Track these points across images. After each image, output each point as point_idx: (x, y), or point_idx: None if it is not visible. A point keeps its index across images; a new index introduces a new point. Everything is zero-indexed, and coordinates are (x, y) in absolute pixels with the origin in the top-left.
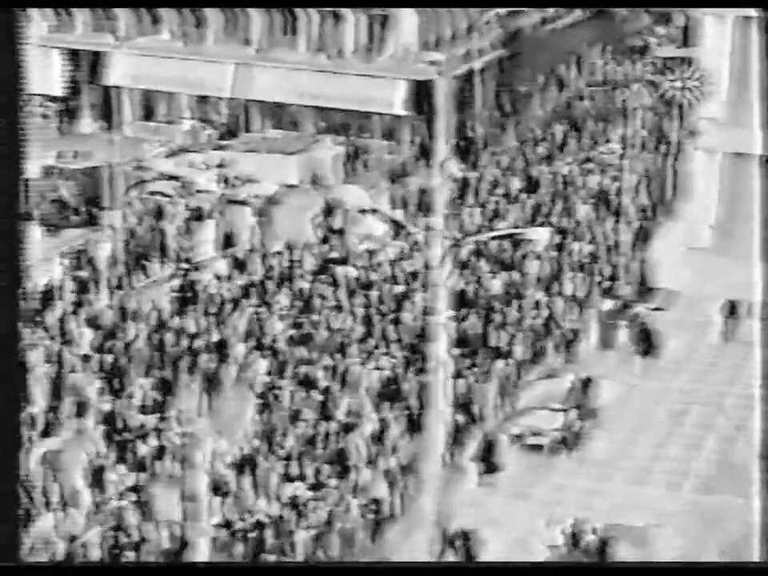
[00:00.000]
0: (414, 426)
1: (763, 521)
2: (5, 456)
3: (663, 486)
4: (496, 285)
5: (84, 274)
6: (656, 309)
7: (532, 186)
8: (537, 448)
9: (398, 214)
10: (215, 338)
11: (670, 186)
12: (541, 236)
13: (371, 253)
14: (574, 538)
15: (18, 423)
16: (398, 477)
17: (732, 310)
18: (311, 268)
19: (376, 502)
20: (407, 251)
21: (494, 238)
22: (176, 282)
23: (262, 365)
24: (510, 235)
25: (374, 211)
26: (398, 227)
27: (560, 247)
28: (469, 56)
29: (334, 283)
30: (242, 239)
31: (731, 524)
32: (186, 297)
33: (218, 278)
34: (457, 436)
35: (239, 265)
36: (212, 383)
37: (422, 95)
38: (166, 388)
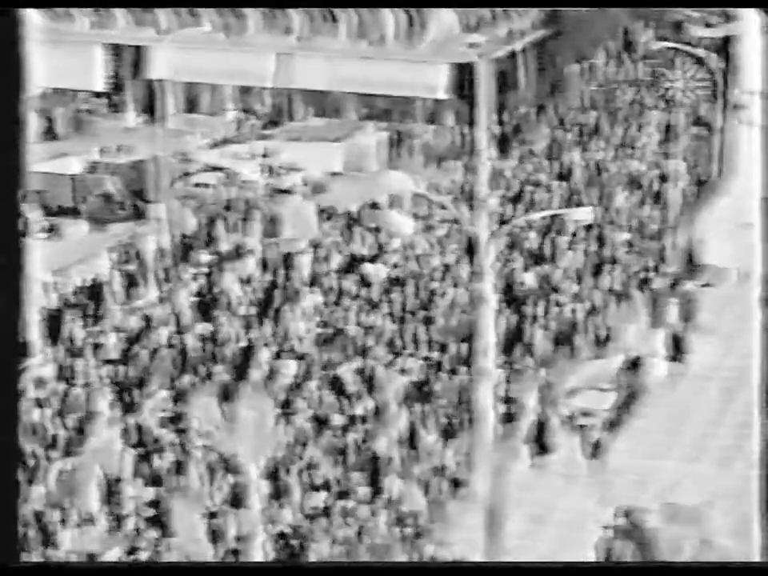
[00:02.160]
0: (450, 430)
1: (763, 521)
2: (4, 456)
3: (716, 464)
4: (529, 278)
5: (131, 267)
6: (705, 285)
7: (565, 173)
8: (588, 428)
9: (443, 198)
10: (239, 343)
11: (716, 162)
12: (584, 216)
13: (405, 248)
14: (628, 520)
15: (17, 425)
16: (433, 482)
17: None
18: (338, 266)
19: (412, 516)
20: (436, 246)
21: (536, 220)
22: (194, 286)
23: (289, 368)
24: (554, 216)
25: (418, 196)
26: (428, 217)
27: (600, 239)
28: (510, 37)
29: (362, 281)
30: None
31: None
32: (207, 300)
33: (242, 280)
34: (506, 422)
35: (264, 265)
36: (231, 391)
37: (464, 78)
38: (185, 398)
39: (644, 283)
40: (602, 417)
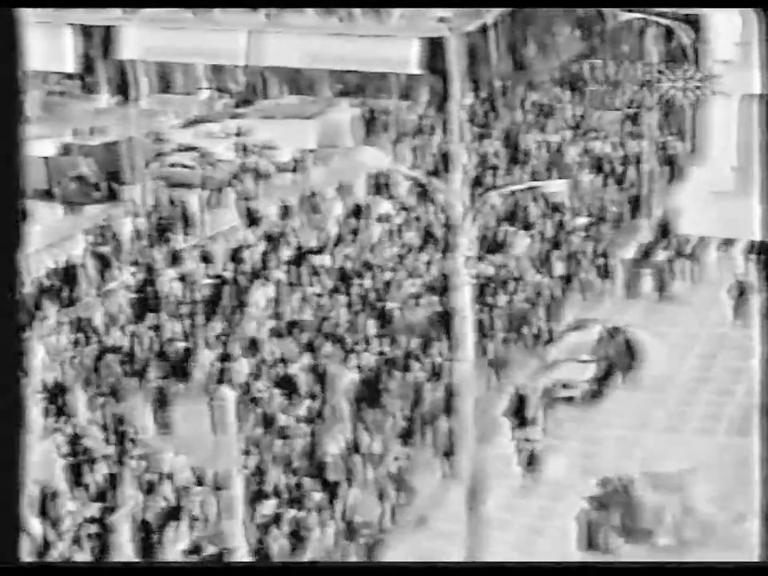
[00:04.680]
0: (405, 431)
1: (763, 521)
2: (3, 455)
3: (697, 432)
4: (484, 268)
5: (107, 249)
6: (679, 255)
7: (522, 156)
8: (568, 400)
9: (418, 173)
10: (181, 344)
11: (689, 135)
12: (558, 188)
13: (355, 233)
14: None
15: (17, 422)
16: (389, 488)
17: (741, 291)
18: (287, 258)
19: (366, 525)
20: (395, 234)
21: (513, 193)
22: (132, 282)
23: (242, 367)
24: (530, 188)
25: (395, 172)
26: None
27: (560, 224)
28: (480, 10)
29: (315, 273)
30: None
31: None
32: (147, 298)
33: (184, 278)
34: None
35: (205, 259)
36: (169, 397)
37: (437, 52)
38: (123, 405)
39: (605, 269)
40: (582, 388)
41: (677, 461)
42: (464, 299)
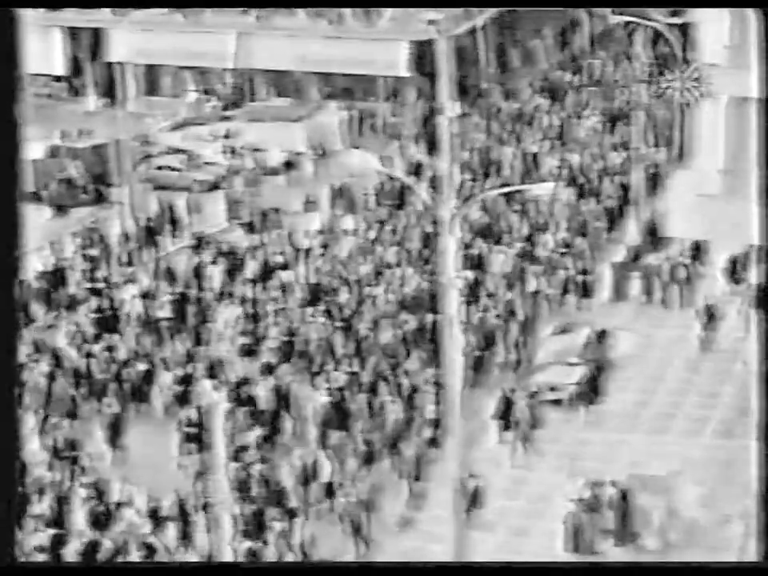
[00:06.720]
0: (371, 456)
1: (763, 521)
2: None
3: (683, 434)
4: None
5: (95, 252)
6: (667, 258)
7: (497, 168)
8: (555, 403)
9: (405, 176)
10: (139, 364)
11: (677, 139)
12: (545, 191)
13: (326, 247)
14: (595, 495)
15: (15, 422)
16: (358, 517)
17: (710, 316)
18: (253, 275)
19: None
20: (364, 247)
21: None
22: (94, 302)
23: (204, 388)
24: (517, 191)
25: (382, 173)
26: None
27: (530, 240)
28: (469, 13)
29: (282, 289)
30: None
31: (752, 467)
32: (107, 318)
33: (145, 295)
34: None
35: (170, 276)
36: (124, 421)
37: (425, 55)
38: (76, 430)
39: (584, 287)
40: (569, 391)
41: (664, 463)
42: (451, 309)
